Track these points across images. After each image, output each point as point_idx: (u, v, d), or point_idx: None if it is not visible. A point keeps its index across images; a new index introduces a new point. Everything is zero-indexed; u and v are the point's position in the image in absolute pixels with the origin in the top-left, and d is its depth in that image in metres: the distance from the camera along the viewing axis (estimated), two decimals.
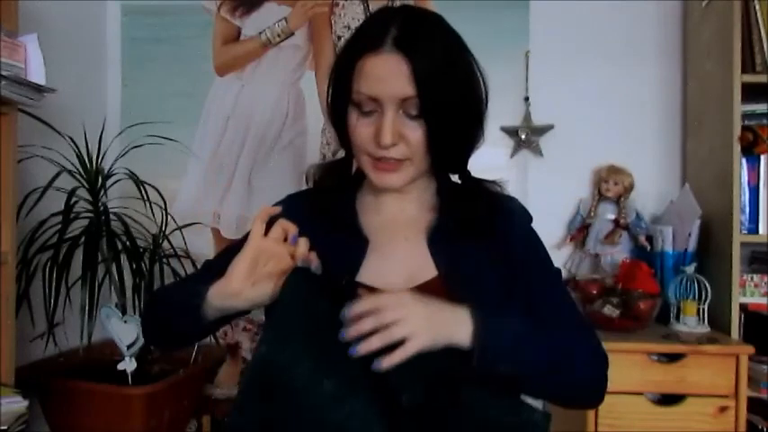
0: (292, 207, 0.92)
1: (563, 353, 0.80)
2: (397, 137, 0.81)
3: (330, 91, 0.89)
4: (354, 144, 0.86)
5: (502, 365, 0.73)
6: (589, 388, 0.85)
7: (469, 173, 0.93)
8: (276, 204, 0.94)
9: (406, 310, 0.70)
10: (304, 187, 0.99)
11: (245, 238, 0.82)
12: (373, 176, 0.86)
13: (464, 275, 0.84)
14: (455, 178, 0.94)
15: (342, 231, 0.89)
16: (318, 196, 0.93)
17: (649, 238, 1.85)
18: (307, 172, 0.97)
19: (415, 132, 0.82)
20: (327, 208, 0.91)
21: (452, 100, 0.82)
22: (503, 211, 0.91)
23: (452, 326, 0.73)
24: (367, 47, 0.81)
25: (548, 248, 0.93)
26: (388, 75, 0.80)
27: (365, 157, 0.85)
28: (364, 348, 0.68)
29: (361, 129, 0.83)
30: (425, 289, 0.82)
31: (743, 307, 1.62)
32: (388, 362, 0.68)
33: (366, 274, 0.86)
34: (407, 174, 0.85)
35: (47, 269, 1.54)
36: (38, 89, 1.31)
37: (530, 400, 0.76)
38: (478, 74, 0.86)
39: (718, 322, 1.62)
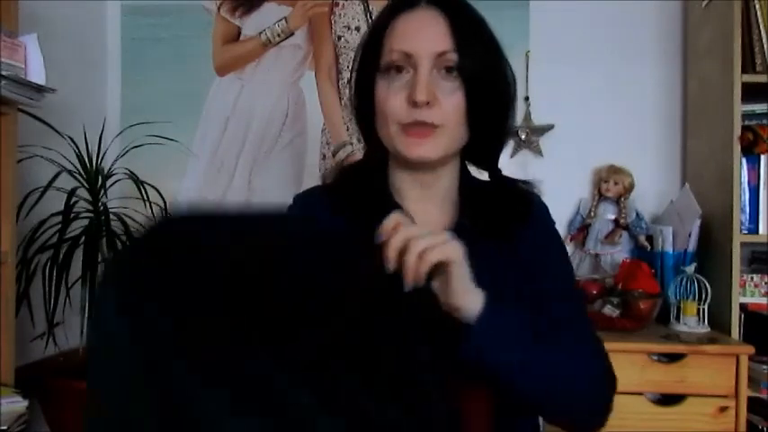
0: (310, 206, 0.89)
1: (564, 364, 0.73)
2: (431, 96, 0.76)
3: (357, 65, 0.84)
4: (383, 115, 0.79)
5: (490, 355, 0.66)
6: (588, 407, 0.77)
7: (500, 171, 0.91)
8: (289, 207, 0.90)
9: (439, 238, 0.64)
10: (303, 187, 0.97)
11: None
12: (403, 147, 0.78)
13: (478, 284, 0.76)
14: (485, 177, 0.91)
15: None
16: (347, 191, 0.87)
17: (649, 238, 1.85)
18: (324, 174, 0.91)
19: (450, 97, 0.77)
20: (362, 203, 0.83)
21: (488, 63, 0.80)
22: (523, 213, 0.88)
23: (470, 290, 0.68)
24: (401, 6, 0.80)
25: None
26: (424, 28, 0.78)
27: (395, 127, 0.78)
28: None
29: (392, 96, 0.78)
30: None
31: (743, 307, 1.61)
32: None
33: None
34: (440, 143, 0.78)
35: (47, 269, 1.54)
36: (38, 89, 1.31)
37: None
38: (506, 58, 0.84)
39: (718, 322, 1.62)
